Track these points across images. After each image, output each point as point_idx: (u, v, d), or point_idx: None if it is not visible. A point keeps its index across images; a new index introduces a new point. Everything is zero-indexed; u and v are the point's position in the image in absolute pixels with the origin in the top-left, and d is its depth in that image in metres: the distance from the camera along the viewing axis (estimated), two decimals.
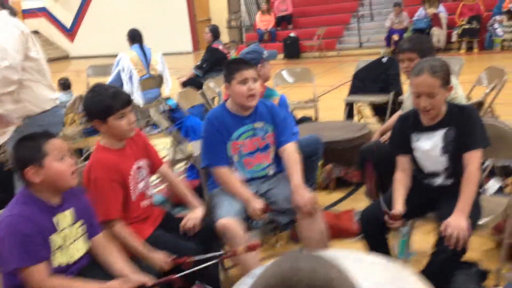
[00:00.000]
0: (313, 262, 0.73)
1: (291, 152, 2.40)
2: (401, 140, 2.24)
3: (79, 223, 1.84)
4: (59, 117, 2.90)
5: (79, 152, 4.83)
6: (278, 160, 2.48)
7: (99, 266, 1.89)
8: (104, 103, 2.01)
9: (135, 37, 5.90)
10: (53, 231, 1.74)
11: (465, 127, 2.07)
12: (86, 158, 4.66)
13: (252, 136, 2.40)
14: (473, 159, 2.04)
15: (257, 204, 2.23)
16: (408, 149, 2.23)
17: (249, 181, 2.41)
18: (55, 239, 1.74)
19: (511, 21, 9.23)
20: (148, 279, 1.82)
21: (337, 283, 0.71)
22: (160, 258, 1.98)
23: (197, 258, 1.96)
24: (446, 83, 2.04)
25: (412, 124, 2.18)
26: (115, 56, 5.98)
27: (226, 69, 2.38)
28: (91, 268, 1.87)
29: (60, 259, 1.76)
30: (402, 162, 2.23)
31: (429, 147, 2.14)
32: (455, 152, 2.10)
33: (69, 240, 1.79)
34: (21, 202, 1.73)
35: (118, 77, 5.62)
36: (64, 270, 1.77)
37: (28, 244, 1.65)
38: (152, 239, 2.07)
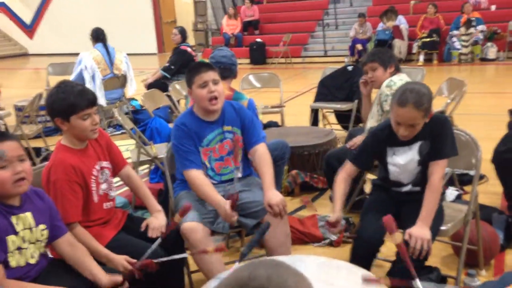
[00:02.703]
0: (271, 269, 0.76)
1: (262, 153, 2.38)
2: (365, 156, 2.24)
3: (42, 226, 1.76)
4: None
5: (37, 151, 4.68)
6: (245, 163, 2.46)
7: (59, 268, 1.82)
8: (68, 101, 1.94)
9: (98, 36, 5.78)
10: (11, 232, 1.65)
11: (437, 137, 2.09)
12: (45, 158, 4.51)
13: (222, 140, 2.37)
14: (438, 169, 2.07)
15: (227, 205, 2.16)
16: (365, 165, 2.26)
17: (217, 184, 2.38)
18: (13, 240, 1.65)
19: (468, 31, 9.59)
20: (119, 277, 1.79)
21: None
22: (123, 261, 1.92)
23: (161, 260, 1.92)
24: (428, 112, 2.03)
25: (387, 138, 2.16)
26: (76, 54, 5.84)
27: (187, 75, 2.36)
28: (50, 270, 1.80)
29: (19, 260, 1.68)
30: (351, 169, 2.23)
31: (406, 161, 2.14)
32: (426, 162, 2.12)
33: (29, 241, 1.71)
34: None
35: (80, 76, 5.50)
36: (23, 272, 1.69)
37: None
38: (115, 243, 2.01)
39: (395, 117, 2.04)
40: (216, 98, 2.28)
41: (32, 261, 1.72)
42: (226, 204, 2.15)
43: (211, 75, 2.28)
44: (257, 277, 0.75)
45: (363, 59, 3.09)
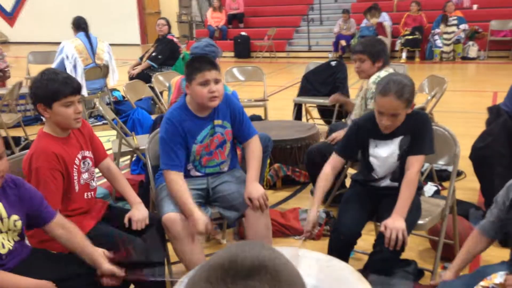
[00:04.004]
0: (258, 245, 0.78)
1: (254, 146, 2.39)
2: (350, 146, 2.26)
3: (14, 217, 1.71)
4: None
5: (16, 140, 4.60)
6: (232, 156, 2.46)
7: (39, 258, 1.80)
8: (52, 87, 1.91)
9: (80, 24, 5.69)
10: None
11: (417, 132, 2.13)
12: (24, 148, 4.45)
13: (213, 134, 2.35)
14: (415, 163, 2.11)
15: (200, 219, 2.08)
16: (351, 155, 2.27)
17: (201, 177, 2.38)
18: None
19: (449, 29, 9.71)
20: (120, 271, 1.80)
21: (280, 262, 0.74)
22: (101, 253, 1.89)
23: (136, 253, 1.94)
24: (409, 103, 2.06)
25: (370, 130, 2.19)
26: (57, 43, 5.75)
27: (188, 68, 2.28)
28: (31, 261, 1.78)
29: None
30: (336, 161, 2.25)
31: (387, 154, 2.18)
32: (405, 156, 2.15)
33: None
34: None
35: (62, 65, 5.42)
36: None
37: None
38: (95, 232, 2.00)
39: (378, 106, 2.08)
40: (216, 97, 2.26)
41: (3, 251, 1.69)
42: (200, 219, 2.07)
43: (214, 74, 2.23)
44: (246, 250, 0.75)
45: (354, 47, 3.00)
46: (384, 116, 2.07)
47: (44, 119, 2.05)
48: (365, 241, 2.53)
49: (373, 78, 2.89)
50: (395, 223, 1.98)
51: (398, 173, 2.19)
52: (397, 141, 2.16)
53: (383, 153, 2.18)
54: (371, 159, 2.22)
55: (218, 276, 0.71)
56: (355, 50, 2.98)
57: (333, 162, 2.26)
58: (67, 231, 1.82)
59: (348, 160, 2.28)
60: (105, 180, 2.36)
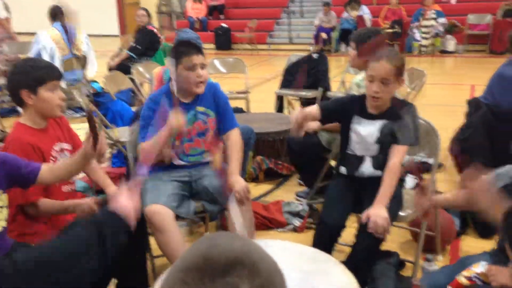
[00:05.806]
0: (229, 237, 0.77)
1: (234, 138, 2.38)
2: (333, 108, 2.31)
3: None
4: None
5: None
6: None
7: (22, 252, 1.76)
8: (37, 72, 1.88)
9: (57, 14, 5.56)
10: None
11: (401, 121, 2.14)
12: (1, 140, 4.33)
13: (194, 121, 2.33)
14: (398, 153, 2.13)
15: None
16: (327, 114, 2.28)
17: (185, 168, 2.35)
18: None
19: (428, 23, 9.81)
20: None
21: (255, 254, 0.73)
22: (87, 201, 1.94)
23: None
24: (399, 73, 2.13)
25: (358, 107, 2.22)
26: (33, 34, 5.61)
27: (174, 52, 2.27)
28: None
29: None
30: (314, 112, 2.25)
31: (366, 133, 2.20)
32: (388, 144, 2.17)
33: None
34: None
35: (38, 56, 5.28)
36: None
37: None
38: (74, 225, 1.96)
39: (369, 71, 2.12)
40: (202, 82, 2.23)
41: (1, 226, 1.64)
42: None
43: (200, 58, 2.23)
44: (218, 244, 0.73)
45: (356, 33, 2.88)
46: (375, 82, 2.10)
47: (21, 110, 1.99)
48: (347, 233, 2.54)
49: (357, 79, 2.78)
50: (377, 211, 2.00)
51: (381, 160, 2.20)
52: (379, 123, 2.18)
53: (363, 132, 2.21)
54: (351, 133, 2.24)
55: (194, 276, 0.69)
56: (352, 36, 2.88)
57: (311, 111, 2.25)
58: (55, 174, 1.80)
59: (323, 117, 2.28)
60: (84, 174, 2.31)
